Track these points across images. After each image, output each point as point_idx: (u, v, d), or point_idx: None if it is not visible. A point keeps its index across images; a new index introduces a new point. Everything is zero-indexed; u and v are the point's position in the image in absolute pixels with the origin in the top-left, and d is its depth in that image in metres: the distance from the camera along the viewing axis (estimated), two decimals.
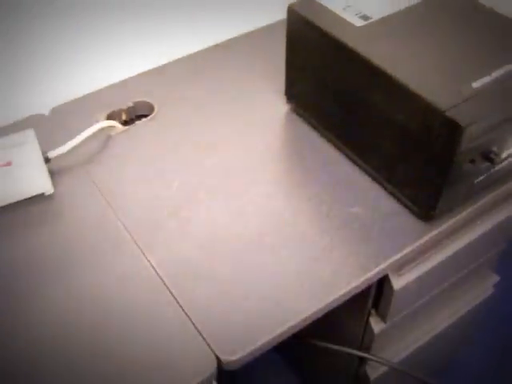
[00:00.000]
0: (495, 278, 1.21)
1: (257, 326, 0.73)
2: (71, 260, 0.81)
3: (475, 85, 0.74)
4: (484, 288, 1.20)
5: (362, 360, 1.07)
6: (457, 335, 1.23)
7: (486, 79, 0.75)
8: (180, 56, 1.16)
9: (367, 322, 0.98)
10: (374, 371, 1.07)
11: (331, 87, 0.89)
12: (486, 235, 0.98)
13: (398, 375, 1.13)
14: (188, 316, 0.74)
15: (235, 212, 0.86)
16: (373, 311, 0.97)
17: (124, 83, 1.10)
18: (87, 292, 0.77)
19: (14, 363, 0.70)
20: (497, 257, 1.16)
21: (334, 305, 0.76)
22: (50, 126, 1.01)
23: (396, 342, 1.08)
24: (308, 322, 0.75)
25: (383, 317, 0.96)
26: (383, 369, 1.08)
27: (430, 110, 0.72)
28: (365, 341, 1.02)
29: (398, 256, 0.80)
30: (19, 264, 0.80)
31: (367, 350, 1.02)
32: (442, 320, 1.14)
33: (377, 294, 0.92)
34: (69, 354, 0.71)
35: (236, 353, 0.70)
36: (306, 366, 1.37)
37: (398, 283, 0.88)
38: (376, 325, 0.97)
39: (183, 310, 0.75)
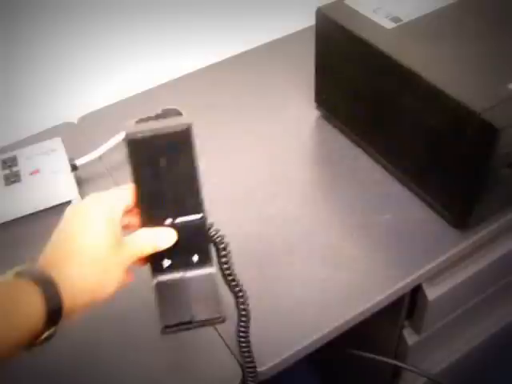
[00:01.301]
0: None
1: (284, 336, 0.71)
2: None
3: None
4: None
5: (396, 373, 1.04)
6: (499, 347, 1.18)
7: None
8: (209, 63, 1.15)
9: (401, 334, 0.95)
10: None
11: (361, 92, 0.87)
12: None
13: None
14: (215, 327, 0.72)
15: (263, 220, 0.85)
16: (406, 323, 0.93)
17: (153, 91, 1.10)
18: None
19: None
20: None
21: (363, 316, 0.74)
22: (78, 134, 1.01)
23: (431, 354, 1.04)
24: (335, 334, 0.72)
25: (417, 329, 0.92)
26: (418, 383, 1.04)
27: (464, 112, 0.69)
28: (399, 353, 0.98)
29: (431, 266, 0.77)
30: None
31: (402, 362, 0.99)
32: (483, 330, 1.09)
33: (410, 304, 0.89)
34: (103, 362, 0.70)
35: (263, 364, 0.68)
36: (337, 379, 1.34)
37: (432, 293, 0.85)
38: (410, 337, 0.94)
39: None
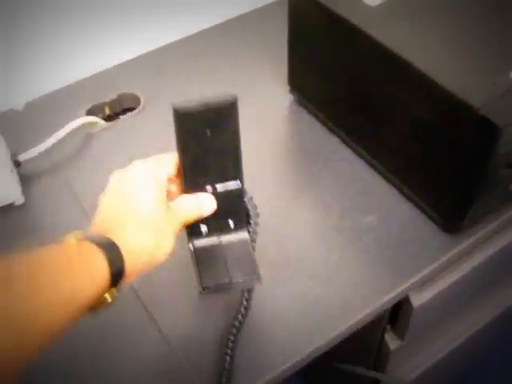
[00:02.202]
0: None
1: (256, 363, 0.63)
2: None
3: None
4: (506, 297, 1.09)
5: (376, 380, 0.98)
6: (478, 347, 1.14)
7: None
8: (169, 41, 1.06)
9: (382, 338, 0.89)
10: None
11: (340, 77, 0.80)
12: None
13: None
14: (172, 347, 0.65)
15: None
16: (388, 327, 0.87)
17: (107, 73, 1.01)
18: None
19: None
20: None
21: (342, 337, 0.67)
22: (23, 124, 0.92)
23: (413, 356, 0.99)
24: (315, 354, 0.65)
25: (401, 335, 0.87)
26: None
27: (459, 107, 0.62)
28: (380, 358, 0.93)
29: (419, 276, 0.71)
30: None
31: (382, 367, 0.93)
32: (464, 331, 1.04)
33: (393, 308, 0.82)
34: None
35: None
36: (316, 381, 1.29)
37: (417, 300, 0.78)
38: (392, 342, 0.88)
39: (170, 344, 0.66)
